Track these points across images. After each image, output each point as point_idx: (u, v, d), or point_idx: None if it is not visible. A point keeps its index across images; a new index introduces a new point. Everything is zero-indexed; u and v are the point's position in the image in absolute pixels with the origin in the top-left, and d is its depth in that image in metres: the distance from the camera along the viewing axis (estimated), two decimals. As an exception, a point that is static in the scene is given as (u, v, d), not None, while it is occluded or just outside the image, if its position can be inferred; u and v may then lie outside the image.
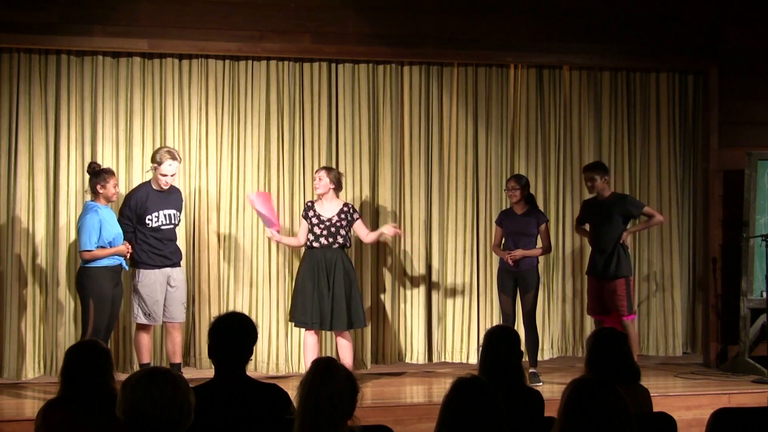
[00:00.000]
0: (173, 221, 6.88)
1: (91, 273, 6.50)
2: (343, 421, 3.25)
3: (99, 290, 6.48)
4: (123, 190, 7.37)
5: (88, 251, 6.48)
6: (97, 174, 6.60)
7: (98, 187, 6.57)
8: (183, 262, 7.11)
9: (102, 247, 6.51)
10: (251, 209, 7.58)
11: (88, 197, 6.70)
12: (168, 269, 6.82)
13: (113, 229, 6.59)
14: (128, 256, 6.67)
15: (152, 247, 6.77)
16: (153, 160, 6.82)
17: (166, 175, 6.78)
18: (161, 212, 6.81)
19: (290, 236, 7.41)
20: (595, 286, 7.32)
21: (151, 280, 6.77)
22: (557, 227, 8.16)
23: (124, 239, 6.77)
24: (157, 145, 7.40)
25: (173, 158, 6.80)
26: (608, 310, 7.22)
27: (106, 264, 6.53)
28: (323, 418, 3.20)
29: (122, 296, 6.81)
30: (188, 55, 7.54)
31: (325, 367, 3.31)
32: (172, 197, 6.91)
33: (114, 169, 7.30)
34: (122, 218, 6.81)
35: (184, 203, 7.21)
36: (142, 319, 6.79)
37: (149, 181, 6.92)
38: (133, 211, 6.77)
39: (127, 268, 6.77)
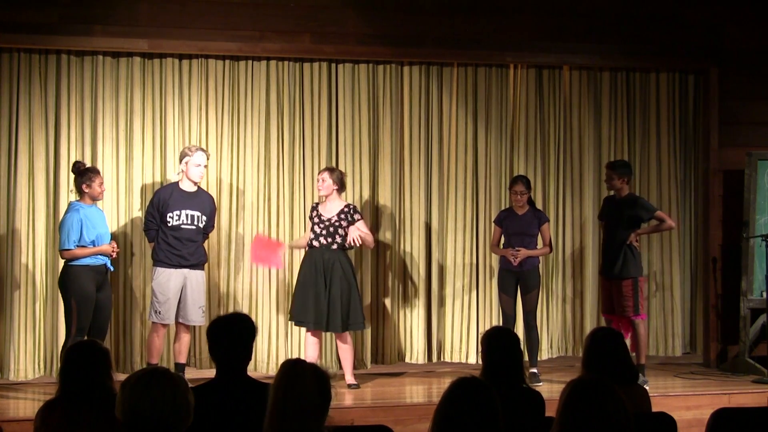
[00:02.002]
0: (196, 223, 6.89)
1: (72, 272, 6.51)
2: (316, 423, 3.16)
3: (80, 289, 6.47)
4: (122, 190, 7.40)
5: (67, 250, 6.50)
6: (82, 173, 6.61)
7: (83, 186, 6.58)
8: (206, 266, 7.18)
9: (83, 246, 6.51)
10: (251, 210, 7.60)
11: (74, 196, 6.74)
12: (185, 270, 6.84)
13: (96, 229, 6.58)
14: (113, 255, 6.68)
15: (171, 247, 6.80)
16: (184, 155, 6.89)
17: (200, 165, 6.89)
18: (183, 211, 6.84)
19: (296, 238, 7.50)
20: (605, 285, 7.35)
21: (165, 279, 6.79)
22: (557, 227, 8.15)
23: (150, 237, 6.82)
24: (158, 145, 7.48)
25: (203, 151, 6.97)
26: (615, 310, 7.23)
27: (88, 263, 6.53)
28: (290, 422, 3.12)
29: (111, 299, 6.81)
30: (188, 55, 7.54)
31: (291, 369, 3.22)
32: (198, 199, 6.94)
33: (114, 169, 7.36)
34: (147, 215, 6.91)
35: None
36: (153, 317, 6.83)
37: (177, 182, 6.97)
38: (156, 208, 6.85)
39: (112, 269, 6.78)
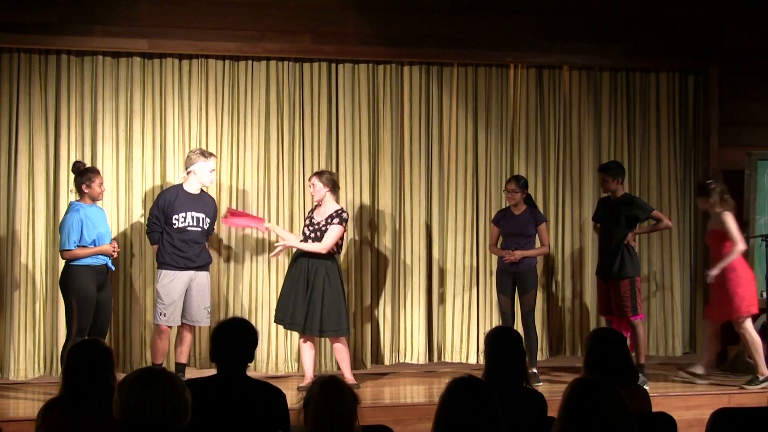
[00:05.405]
0: (201, 225, 6.90)
1: (73, 272, 6.51)
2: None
3: (81, 289, 6.47)
4: (122, 190, 7.39)
5: (68, 251, 6.50)
6: (82, 173, 6.61)
7: (83, 186, 6.58)
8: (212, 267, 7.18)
9: (83, 246, 6.51)
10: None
11: (74, 197, 6.74)
12: (192, 272, 6.84)
13: (97, 229, 6.58)
14: (114, 255, 6.68)
15: (176, 249, 6.80)
16: (195, 160, 6.87)
17: (213, 170, 6.97)
18: (189, 213, 6.84)
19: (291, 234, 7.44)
20: (602, 286, 7.35)
21: (170, 280, 6.79)
22: (557, 227, 8.15)
23: (153, 239, 6.81)
24: (157, 145, 7.46)
25: (214, 156, 7.05)
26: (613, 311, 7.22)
27: (89, 263, 6.53)
28: None
29: (111, 299, 6.81)
30: (188, 55, 7.54)
31: (331, 387, 3.37)
32: (202, 201, 6.96)
33: (114, 169, 7.35)
34: (151, 218, 6.91)
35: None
36: (158, 319, 6.81)
37: (181, 183, 6.97)
38: (161, 210, 6.85)
39: (113, 268, 6.78)
